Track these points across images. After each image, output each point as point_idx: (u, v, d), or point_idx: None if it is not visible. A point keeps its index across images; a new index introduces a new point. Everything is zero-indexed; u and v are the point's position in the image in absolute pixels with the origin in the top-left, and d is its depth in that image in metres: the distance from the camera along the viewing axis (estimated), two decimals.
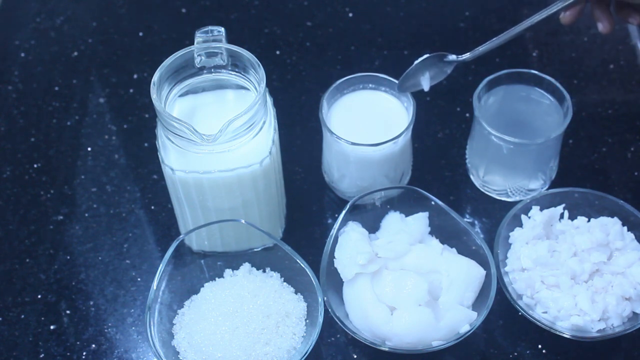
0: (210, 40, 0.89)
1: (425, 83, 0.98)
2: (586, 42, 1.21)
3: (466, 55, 0.97)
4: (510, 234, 0.94)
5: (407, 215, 0.96)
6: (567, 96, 0.98)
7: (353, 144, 0.94)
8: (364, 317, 0.87)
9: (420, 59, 0.97)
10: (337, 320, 0.87)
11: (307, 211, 1.04)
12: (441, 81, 1.17)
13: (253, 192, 0.90)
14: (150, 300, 0.88)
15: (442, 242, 0.94)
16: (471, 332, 0.86)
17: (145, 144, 1.11)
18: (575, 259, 0.90)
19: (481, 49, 0.97)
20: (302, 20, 1.26)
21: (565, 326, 0.88)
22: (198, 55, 0.88)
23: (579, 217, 0.95)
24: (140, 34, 1.25)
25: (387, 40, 1.23)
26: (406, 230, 0.94)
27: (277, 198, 0.96)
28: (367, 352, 0.92)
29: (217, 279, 0.94)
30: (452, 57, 0.97)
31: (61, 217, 1.04)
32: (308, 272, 0.89)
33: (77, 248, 1.02)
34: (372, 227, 0.96)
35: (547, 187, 1.03)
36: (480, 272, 0.90)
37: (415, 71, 0.97)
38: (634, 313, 0.89)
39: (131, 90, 1.18)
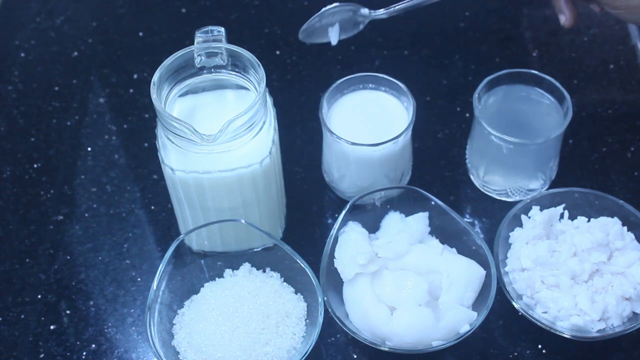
0: (210, 40, 0.89)
1: (334, 35, 0.91)
2: (586, 42, 1.21)
3: (380, 11, 0.92)
4: (510, 234, 0.94)
5: (407, 215, 0.96)
6: (567, 96, 0.98)
7: (353, 144, 0.94)
8: (364, 317, 0.87)
9: (328, 8, 0.90)
10: (337, 320, 0.87)
11: (307, 211, 1.04)
12: (441, 81, 1.17)
13: (253, 192, 0.90)
14: (150, 300, 0.88)
15: (442, 242, 0.94)
16: (471, 332, 0.86)
17: (145, 144, 1.11)
18: (575, 259, 0.90)
19: (398, 6, 0.90)
20: (302, 20, 1.25)
21: (565, 326, 0.88)
22: (198, 55, 0.88)
23: (579, 217, 0.95)
24: (140, 34, 1.25)
25: (387, 40, 1.23)
26: (406, 230, 0.94)
27: (277, 198, 0.96)
28: (367, 352, 0.92)
29: (217, 279, 0.94)
30: (365, 11, 0.91)
31: (61, 217, 1.04)
32: (308, 272, 0.89)
33: (77, 248, 1.02)
34: (372, 227, 0.96)
35: (547, 187, 1.03)
36: (480, 272, 0.90)
37: (321, 20, 0.90)
38: (634, 313, 0.89)
39: (131, 90, 1.18)
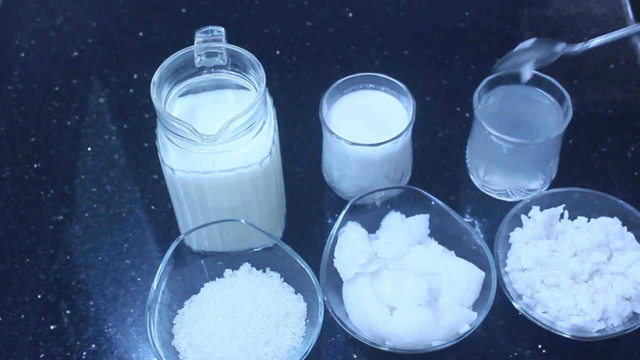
0: (210, 40, 0.89)
1: (528, 71, 0.91)
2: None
3: (576, 47, 0.91)
4: (510, 234, 0.94)
5: (407, 216, 0.96)
6: (567, 96, 0.98)
7: (353, 144, 0.94)
8: (364, 317, 0.87)
9: (526, 43, 0.91)
10: (337, 320, 0.87)
11: (307, 211, 1.04)
12: (441, 81, 1.17)
13: (253, 192, 0.90)
14: (150, 300, 0.88)
15: (442, 243, 0.94)
16: (471, 332, 0.86)
17: (145, 144, 1.11)
18: (575, 259, 0.90)
19: (595, 42, 0.91)
20: (302, 20, 1.26)
21: (565, 326, 0.88)
22: (198, 55, 0.88)
23: (579, 217, 0.95)
24: (140, 34, 1.25)
25: (387, 40, 1.23)
26: (406, 231, 0.94)
27: (277, 198, 0.96)
28: (367, 352, 0.92)
29: (217, 279, 0.94)
30: (560, 46, 0.90)
31: (61, 217, 1.04)
32: (308, 272, 0.89)
33: (77, 248, 1.02)
34: (372, 227, 0.96)
35: (547, 187, 1.03)
36: (480, 274, 0.90)
37: (520, 55, 0.91)
38: (634, 313, 0.89)
39: (131, 90, 1.18)
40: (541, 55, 0.92)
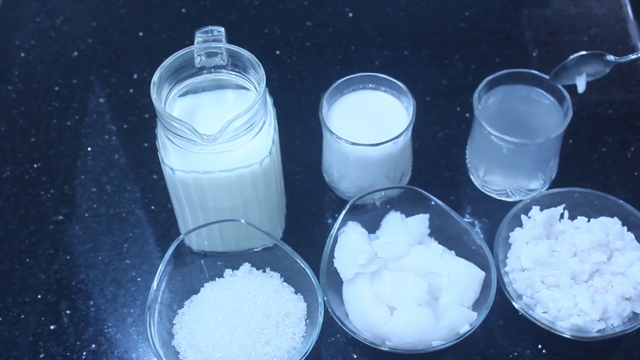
0: (210, 40, 0.89)
1: (581, 83, 0.96)
2: (586, 42, 1.21)
3: (628, 57, 0.95)
4: (510, 234, 0.94)
5: (407, 216, 0.96)
6: (567, 96, 0.98)
7: (353, 144, 0.94)
8: (364, 317, 0.87)
9: (576, 55, 0.95)
10: (337, 320, 0.87)
11: (307, 211, 1.04)
12: (441, 81, 1.17)
13: (253, 192, 0.90)
14: (150, 300, 0.88)
15: (442, 243, 0.94)
16: (471, 332, 0.86)
17: (145, 144, 1.11)
18: (575, 259, 0.90)
19: None
20: (302, 20, 1.26)
21: (565, 326, 0.88)
22: (198, 55, 0.88)
23: (579, 217, 0.95)
24: (140, 34, 1.25)
25: (387, 40, 1.23)
26: (406, 231, 0.94)
27: (277, 198, 0.96)
28: (367, 352, 0.92)
29: (217, 279, 0.94)
30: (611, 57, 0.94)
31: (61, 217, 1.04)
32: (308, 272, 0.89)
33: (77, 248, 1.02)
34: (372, 227, 0.96)
35: (547, 187, 1.03)
36: (480, 274, 0.90)
37: (571, 66, 0.95)
38: (634, 313, 0.89)
39: (131, 90, 1.18)
40: (593, 69, 0.97)
